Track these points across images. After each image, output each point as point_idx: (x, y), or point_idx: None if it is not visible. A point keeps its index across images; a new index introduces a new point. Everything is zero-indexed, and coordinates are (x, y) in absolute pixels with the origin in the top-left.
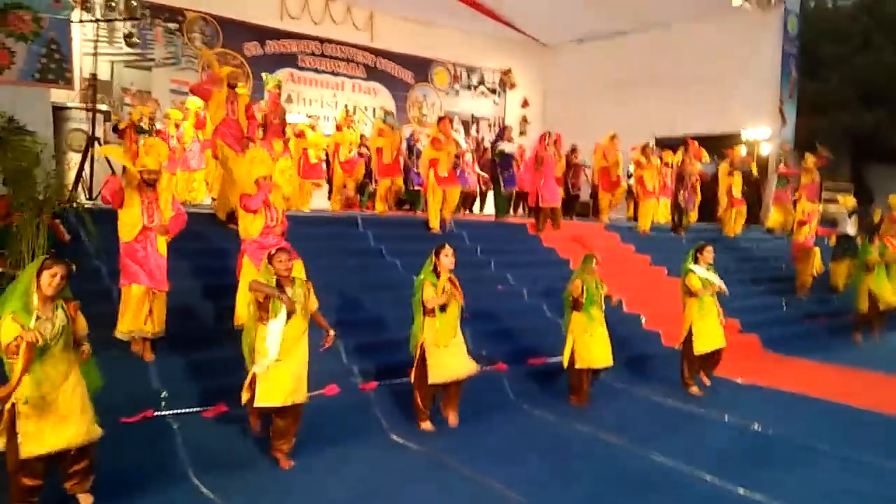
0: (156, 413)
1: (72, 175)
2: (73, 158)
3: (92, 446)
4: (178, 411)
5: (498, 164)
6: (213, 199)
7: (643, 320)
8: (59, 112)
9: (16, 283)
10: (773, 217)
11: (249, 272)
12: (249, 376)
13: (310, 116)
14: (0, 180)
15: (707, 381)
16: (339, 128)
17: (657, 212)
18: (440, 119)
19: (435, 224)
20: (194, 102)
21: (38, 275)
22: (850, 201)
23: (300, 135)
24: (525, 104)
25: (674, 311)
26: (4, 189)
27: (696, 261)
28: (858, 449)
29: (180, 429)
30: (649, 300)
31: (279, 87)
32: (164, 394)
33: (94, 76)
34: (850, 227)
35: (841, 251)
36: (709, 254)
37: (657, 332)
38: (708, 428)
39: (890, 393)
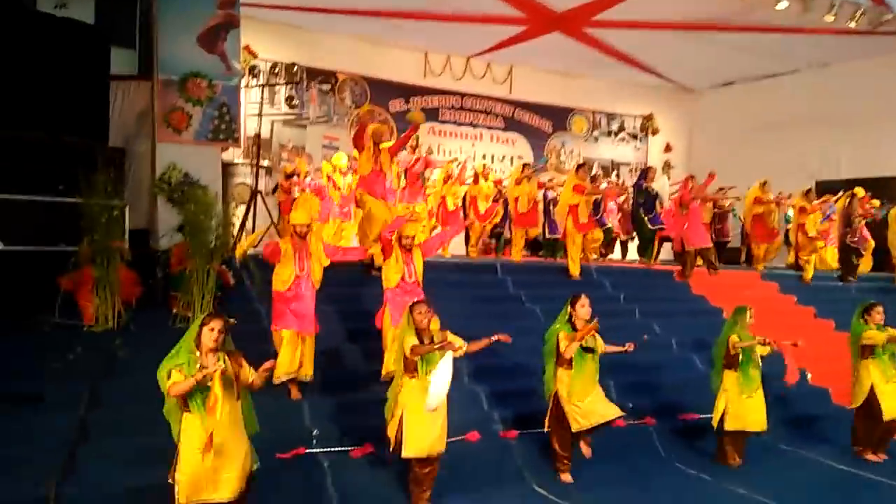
0: (308, 451)
1: (237, 225)
2: (238, 210)
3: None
4: (329, 450)
5: (641, 205)
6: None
7: (809, 376)
8: (226, 168)
9: (182, 340)
10: None
11: (388, 323)
12: (394, 426)
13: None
14: (178, 228)
15: (883, 457)
16: (475, 180)
17: (823, 259)
18: (579, 167)
19: (575, 270)
20: (339, 158)
21: (199, 331)
22: None
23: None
24: (668, 149)
25: (843, 366)
26: (180, 237)
27: (865, 321)
28: None
29: (330, 467)
30: (816, 355)
31: (417, 140)
32: (315, 432)
33: (258, 135)
34: None
35: None
36: (878, 314)
37: (826, 389)
38: (887, 498)
39: None
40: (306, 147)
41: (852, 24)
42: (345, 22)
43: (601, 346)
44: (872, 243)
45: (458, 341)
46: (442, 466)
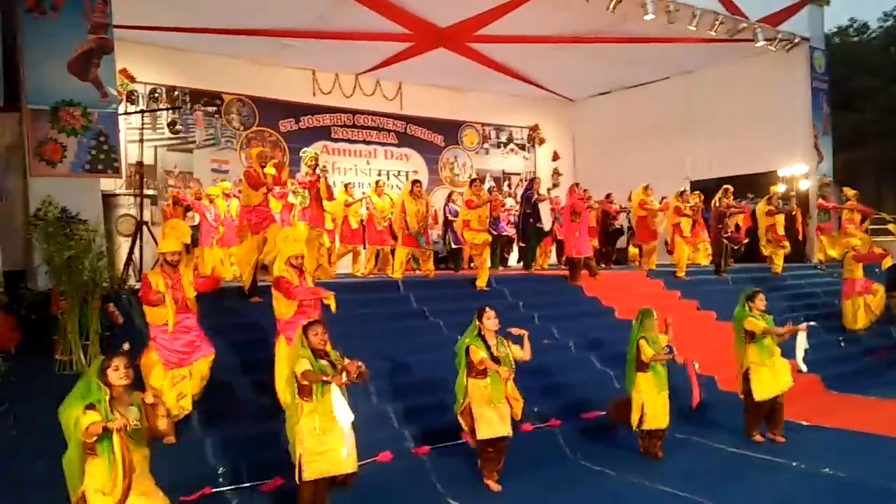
0: (213, 490)
1: (122, 259)
2: (123, 243)
3: None
4: (236, 487)
5: (529, 214)
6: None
7: (697, 366)
8: (107, 199)
9: (84, 378)
10: (823, 248)
11: (283, 353)
12: (298, 455)
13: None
14: (52, 267)
15: (780, 438)
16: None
17: (698, 255)
18: (472, 181)
19: (482, 283)
20: (224, 184)
21: (104, 374)
22: None
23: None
24: (555, 157)
25: (727, 355)
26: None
27: (749, 309)
28: None
29: None
30: (701, 346)
31: (315, 160)
32: (221, 469)
33: (140, 164)
34: None
35: (893, 283)
36: (760, 301)
37: (712, 376)
38: (775, 474)
39: None
40: (194, 172)
41: (712, 33)
42: (229, 42)
43: (517, 353)
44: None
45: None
46: (356, 490)
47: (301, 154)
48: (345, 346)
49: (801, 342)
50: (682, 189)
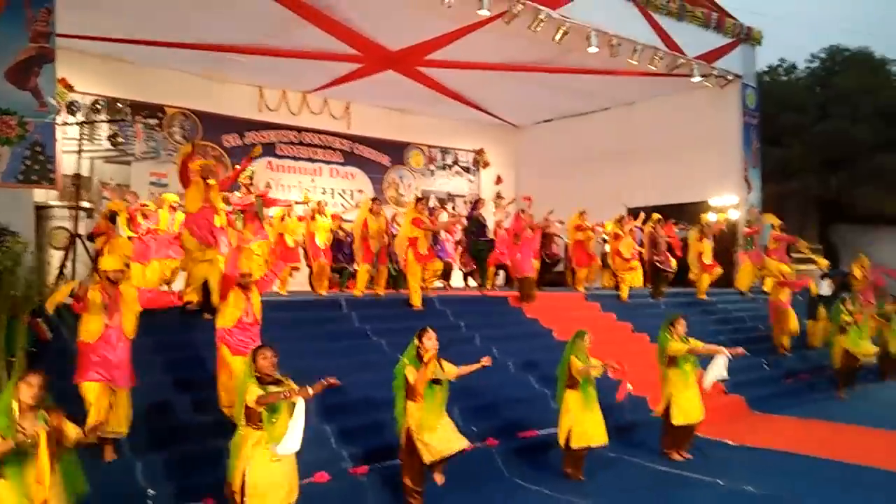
0: None
1: (54, 273)
2: (56, 255)
3: None
4: None
5: (473, 233)
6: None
7: (630, 387)
8: (41, 211)
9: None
10: (741, 278)
11: (225, 361)
12: (237, 478)
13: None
14: None
15: (686, 456)
16: (312, 215)
17: (634, 279)
18: (418, 200)
19: (417, 301)
20: (171, 196)
21: (17, 390)
22: (823, 262)
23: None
24: (499, 181)
25: (658, 376)
26: None
27: (669, 334)
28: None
29: None
30: (634, 367)
31: (251, 178)
32: (150, 492)
33: (77, 175)
34: (826, 288)
35: (816, 311)
36: (681, 327)
37: (644, 397)
38: (702, 492)
39: (875, 446)
40: (131, 185)
41: (652, 67)
42: (174, 55)
43: (452, 372)
44: (674, 264)
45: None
46: None
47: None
48: (285, 364)
49: (718, 365)
50: (620, 216)
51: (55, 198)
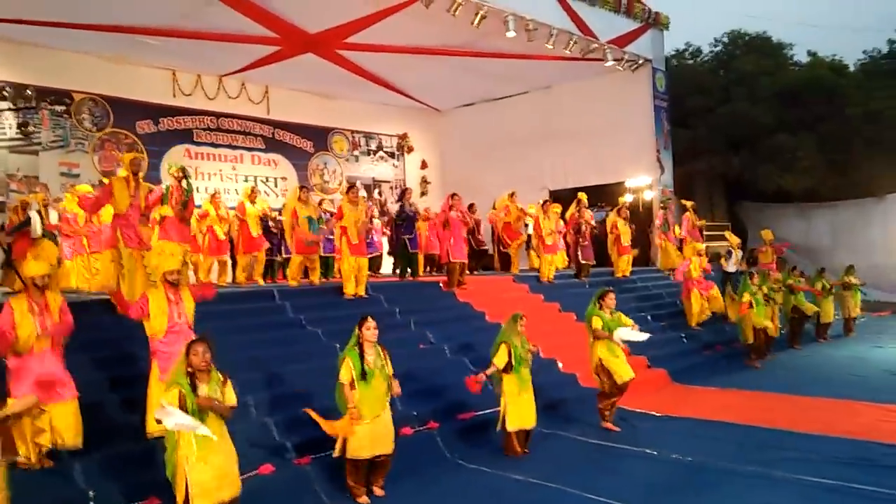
0: None
1: None
2: None
3: None
4: None
5: (401, 227)
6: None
7: (560, 365)
8: None
9: None
10: (662, 258)
11: (157, 383)
12: (180, 479)
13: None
14: None
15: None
16: (241, 206)
17: (557, 261)
18: (349, 188)
19: (350, 290)
20: (84, 187)
21: None
22: (734, 239)
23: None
24: (424, 166)
25: (586, 354)
26: None
27: (600, 307)
28: (771, 465)
29: None
30: (563, 345)
31: (182, 172)
32: (91, 493)
33: None
34: (732, 265)
35: (724, 287)
36: (611, 300)
37: (574, 374)
38: (635, 462)
39: (790, 410)
40: (40, 176)
41: (567, 52)
42: (82, 38)
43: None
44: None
45: (230, 398)
46: None
47: (166, 165)
48: (220, 357)
49: (631, 333)
50: (543, 199)
51: None
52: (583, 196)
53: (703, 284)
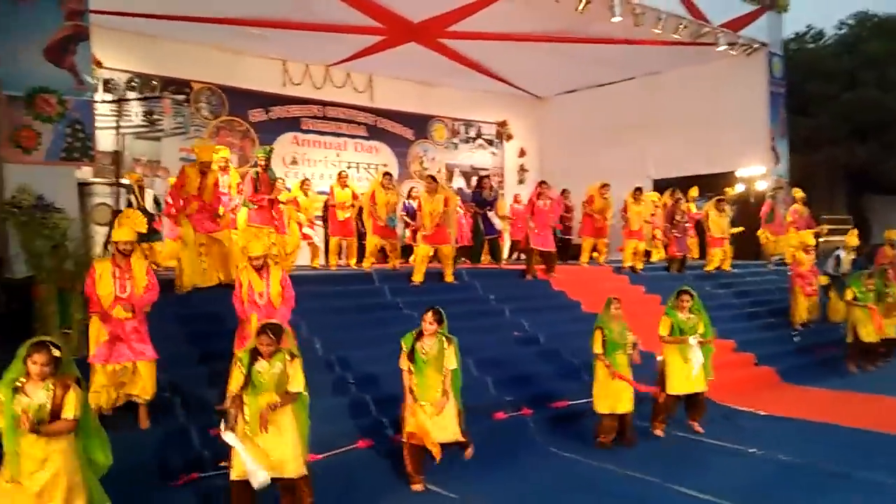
0: (201, 475)
1: (99, 248)
2: (100, 231)
3: None
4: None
5: (478, 214)
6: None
7: (660, 359)
8: (83, 188)
9: (13, 364)
10: (767, 249)
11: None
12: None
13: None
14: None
15: (698, 429)
16: (331, 191)
17: (651, 251)
18: (385, 174)
19: (417, 278)
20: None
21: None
22: (853, 239)
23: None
24: (522, 153)
25: None
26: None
27: (675, 307)
28: (881, 472)
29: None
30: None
31: (267, 159)
32: (205, 453)
33: (117, 153)
34: (832, 266)
35: (836, 287)
36: (685, 301)
37: None
38: (734, 460)
39: None
40: (161, 160)
41: (676, 36)
42: (199, 30)
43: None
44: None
45: (295, 380)
46: (342, 476)
47: (258, 151)
48: (322, 335)
49: (695, 355)
50: (635, 188)
51: (92, 174)
52: (694, 190)
53: (809, 280)
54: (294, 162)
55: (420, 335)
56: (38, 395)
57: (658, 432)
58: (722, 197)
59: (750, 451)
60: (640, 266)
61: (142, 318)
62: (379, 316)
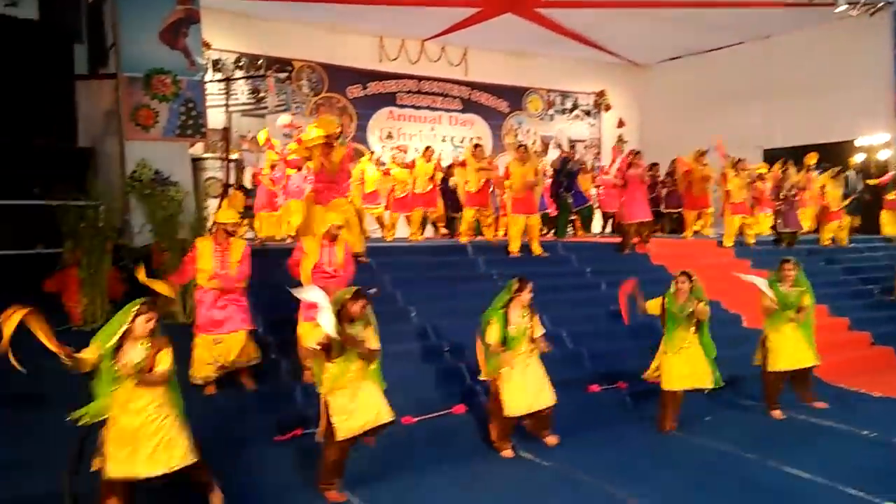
0: (305, 431)
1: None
2: (212, 204)
3: (196, 470)
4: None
5: (562, 185)
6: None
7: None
8: (195, 163)
9: (113, 320)
10: (886, 225)
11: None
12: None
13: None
14: (152, 226)
15: (819, 404)
16: (412, 162)
17: (759, 225)
18: (519, 146)
19: (513, 247)
20: (292, 145)
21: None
22: None
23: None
24: (621, 124)
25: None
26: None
27: (780, 280)
28: None
29: None
30: None
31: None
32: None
33: (227, 129)
34: None
35: None
36: (788, 271)
37: None
38: (843, 442)
39: None
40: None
41: None
42: (299, 9)
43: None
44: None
45: (372, 342)
46: (439, 434)
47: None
48: (417, 306)
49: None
50: (736, 159)
51: (203, 150)
52: (811, 157)
53: None
54: (389, 136)
55: (507, 307)
56: (136, 353)
57: (776, 413)
58: (840, 168)
59: (863, 433)
60: (750, 240)
61: (241, 291)
62: (474, 287)
